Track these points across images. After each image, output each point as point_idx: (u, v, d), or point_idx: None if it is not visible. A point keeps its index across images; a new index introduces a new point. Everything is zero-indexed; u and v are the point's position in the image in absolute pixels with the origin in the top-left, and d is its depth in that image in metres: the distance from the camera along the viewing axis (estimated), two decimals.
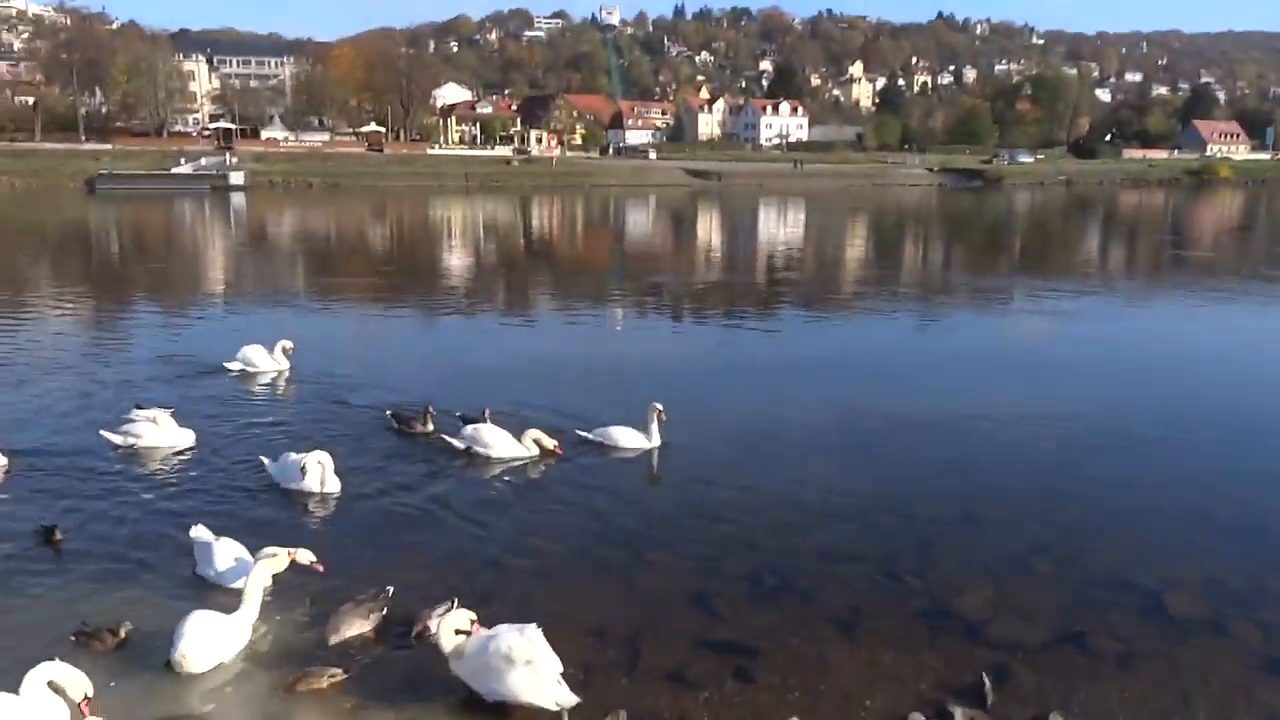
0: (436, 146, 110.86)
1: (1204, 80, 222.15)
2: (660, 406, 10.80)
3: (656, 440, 10.83)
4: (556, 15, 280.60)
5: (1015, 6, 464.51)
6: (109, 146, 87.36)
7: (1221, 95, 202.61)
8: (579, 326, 20.64)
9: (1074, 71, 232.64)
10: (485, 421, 10.98)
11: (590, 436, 11.00)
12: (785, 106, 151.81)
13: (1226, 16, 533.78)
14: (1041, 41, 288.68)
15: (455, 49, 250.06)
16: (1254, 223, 59.85)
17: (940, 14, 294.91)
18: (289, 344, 14.31)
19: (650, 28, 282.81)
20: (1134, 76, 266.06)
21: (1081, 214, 67.26)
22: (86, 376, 14.10)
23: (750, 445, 11.37)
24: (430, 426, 11.15)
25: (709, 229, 53.07)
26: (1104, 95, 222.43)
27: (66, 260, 33.59)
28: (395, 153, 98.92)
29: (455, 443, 10.70)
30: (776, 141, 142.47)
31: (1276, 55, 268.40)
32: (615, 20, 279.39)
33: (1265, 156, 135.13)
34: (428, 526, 8.76)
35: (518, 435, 10.65)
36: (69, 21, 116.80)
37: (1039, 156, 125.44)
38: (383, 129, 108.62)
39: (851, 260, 37.54)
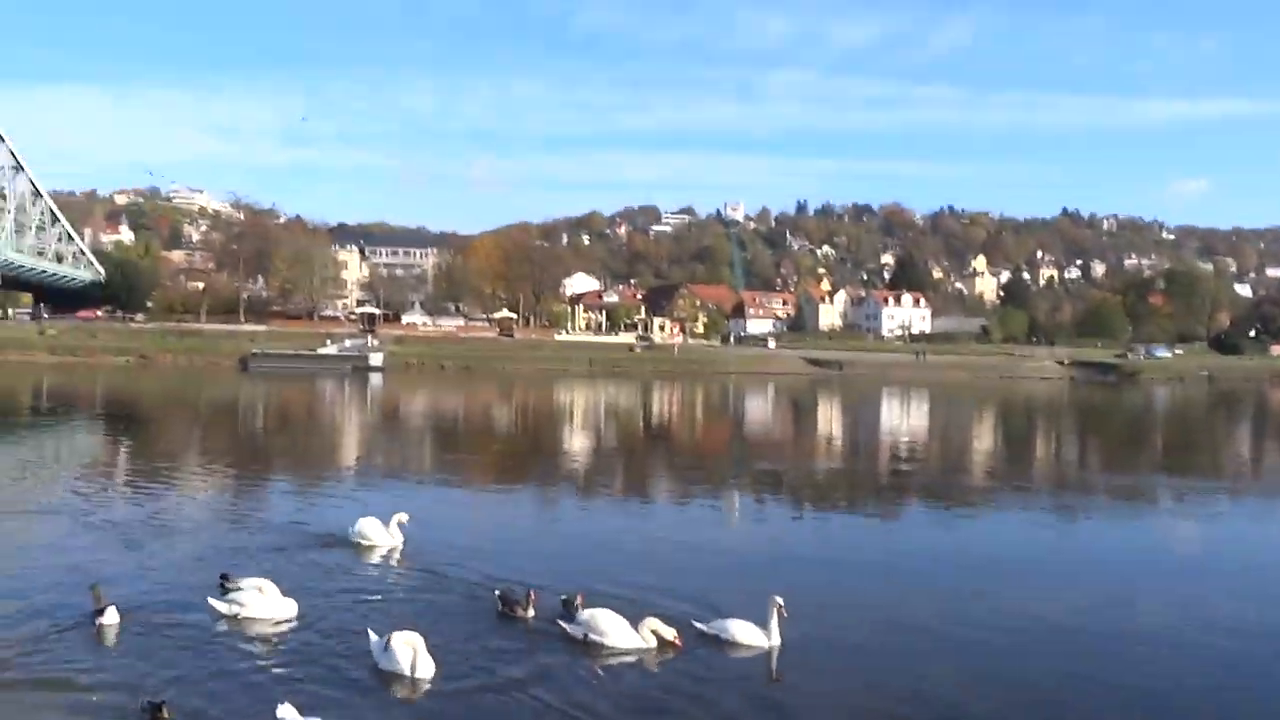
0: (564, 332, 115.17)
1: None
2: (780, 601, 10.16)
3: (776, 638, 10.14)
4: (683, 211, 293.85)
5: (1144, 203, 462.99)
6: (264, 328, 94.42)
7: None
8: (696, 511, 20.27)
9: (1209, 266, 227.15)
10: (578, 607, 10.65)
11: (707, 630, 10.42)
12: (907, 298, 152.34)
13: None
14: (1173, 236, 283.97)
15: (587, 242, 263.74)
16: None
17: (1065, 210, 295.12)
18: (404, 517, 14.43)
19: (773, 223, 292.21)
20: (1276, 271, 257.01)
21: (1228, 411, 63.65)
22: (207, 541, 14.49)
23: (872, 644, 10.61)
24: (532, 611, 10.88)
25: (829, 417, 52.45)
26: (1244, 290, 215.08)
27: (211, 431, 35.61)
28: (525, 338, 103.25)
29: (569, 629, 10.36)
30: (898, 332, 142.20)
31: None
32: (739, 216, 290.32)
33: None
34: (526, 717, 8.35)
35: (634, 623, 10.24)
36: (243, 216, 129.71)
37: (1177, 351, 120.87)
38: (514, 315, 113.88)
39: (979, 453, 36.16)
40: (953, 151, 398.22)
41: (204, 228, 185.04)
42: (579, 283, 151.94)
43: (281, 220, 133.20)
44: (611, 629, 10.14)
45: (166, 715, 7.82)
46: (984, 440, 41.20)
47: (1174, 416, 59.18)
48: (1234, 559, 16.38)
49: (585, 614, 10.38)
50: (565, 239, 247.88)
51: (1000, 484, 26.59)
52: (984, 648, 10.68)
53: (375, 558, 13.91)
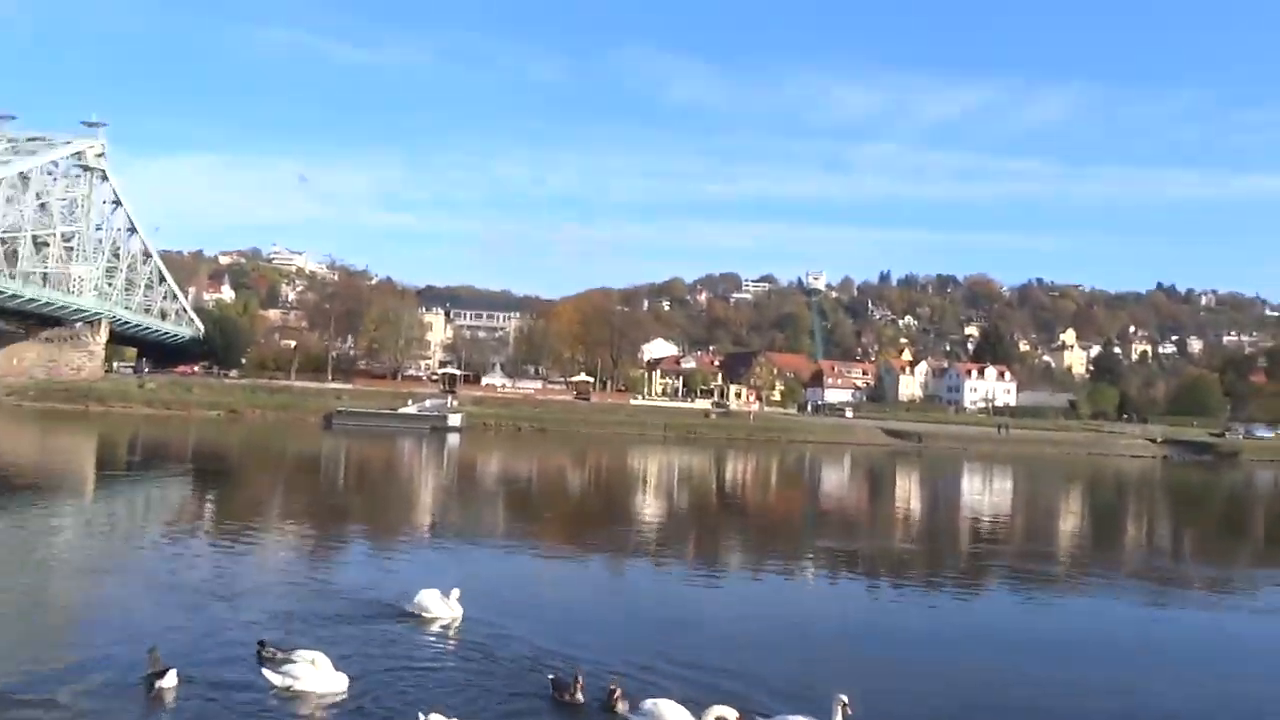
0: (640, 397, 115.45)
1: None
2: (846, 699, 9.79)
3: None
4: (764, 279, 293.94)
5: (1244, 278, 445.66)
6: (349, 386, 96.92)
7: None
8: (767, 587, 19.92)
9: None
10: (618, 699, 10.44)
11: None
12: (991, 371, 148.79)
13: None
14: (1276, 314, 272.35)
15: (667, 308, 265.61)
16: None
17: (1160, 284, 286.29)
18: (458, 592, 14.45)
19: (855, 292, 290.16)
20: None
21: None
22: (272, 605, 14.71)
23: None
24: (581, 696, 10.70)
25: (908, 491, 51.17)
26: None
27: (290, 489, 36.46)
28: (601, 401, 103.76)
29: (632, 718, 10.19)
30: (981, 405, 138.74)
31: None
32: (821, 284, 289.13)
33: None
34: None
35: (699, 713, 10.01)
36: (337, 277, 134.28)
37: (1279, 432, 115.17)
38: (591, 379, 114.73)
39: (1064, 533, 34.75)
40: (1043, 224, 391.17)
41: (300, 288, 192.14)
42: (657, 348, 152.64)
43: (373, 281, 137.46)
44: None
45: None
46: (1069, 520, 39.60)
47: (1277, 499, 56.09)
48: None
49: (648, 703, 10.20)
50: (646, 305, 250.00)
51: (1085, 568, 25.40)
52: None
53: (434, 630, 13.95)
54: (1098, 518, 41.56)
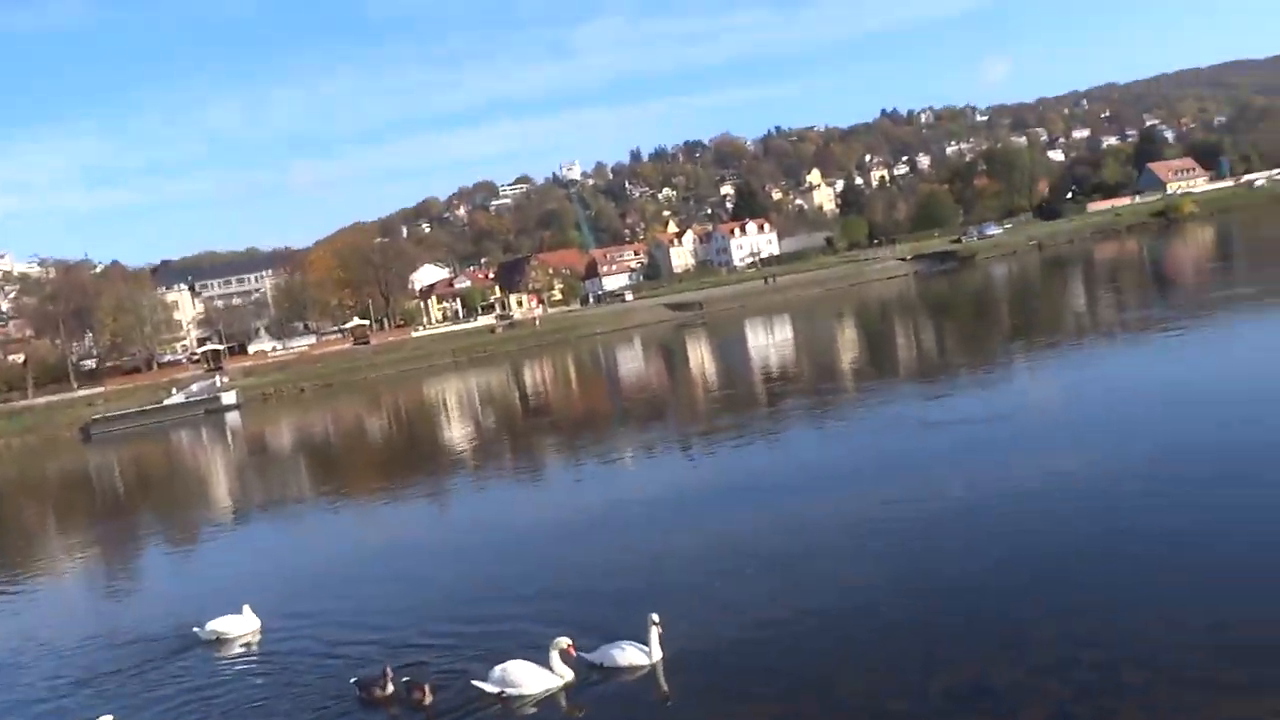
0: (421, 328, 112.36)
1: (1149, 124, 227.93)
2: (656, 618, 9.88)
3: (658, 654, 9.89)
4: (520, 181, 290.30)
5: (953, 91, 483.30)
6: (100, 389, 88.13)
7: (1170, 135, 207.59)
8: (586, 491, 19.91)
9: (1023, 140, 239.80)
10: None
11: (590, 659, 10.06)
12: (752, 226, 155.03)
13: (1155, 62, 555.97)
14: (986, 118, 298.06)
15: (427, 230, 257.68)
16: (1233, 248, 59.99)
17: (883, 111, 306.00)
18: (248, 607, 13.41)
19: (610, 175, 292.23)
20: (1081, 133, 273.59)
21: (1062, 274, 67.45)
22: (59, 674, 12.95)
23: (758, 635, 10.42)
24: (390, 689, 10.12)
25: (700, 359, 52.94)
26: (1056, 156, 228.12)
27: (60, 518, 32.98)
28: (382, 342, 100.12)
29: (487, 687, 9.82)
30: (750, 260, 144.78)
31: (1213, 87, 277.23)
32: (576, 175, 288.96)
33: (1226, 184, 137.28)
34: None
35: (544, 658, 9.85)
36: (52, 274, 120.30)
37: (1007, 226, 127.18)
38: (366, 321, 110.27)
39: (846, 361, 37.07)
40: (772, 74, 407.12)
41: (12, 294, 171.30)
42: (427, 274, 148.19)
43: (98, 270, 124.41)
44: (527, 678, 9.79)
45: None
46: (847, 349, 42.37)
47: (1014, 290, 62.32)
48: (1093, 403, 17.20)
49: (498, 669, 9.91)
50: (405, 232, 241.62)
51: (871, 385, 27.21)
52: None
53: (234, 652, 12.88)
54: (870, 341, 44.70)
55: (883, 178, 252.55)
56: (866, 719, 8.09)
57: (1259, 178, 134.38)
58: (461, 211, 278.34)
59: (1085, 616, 9.06)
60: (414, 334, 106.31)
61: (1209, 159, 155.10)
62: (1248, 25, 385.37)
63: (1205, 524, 11.03)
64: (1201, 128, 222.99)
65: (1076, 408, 19.06)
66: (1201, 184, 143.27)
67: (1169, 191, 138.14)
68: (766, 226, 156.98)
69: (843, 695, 8.43)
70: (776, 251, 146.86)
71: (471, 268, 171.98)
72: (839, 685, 8.62)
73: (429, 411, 49.27)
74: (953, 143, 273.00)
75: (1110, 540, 10.98)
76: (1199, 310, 32.26)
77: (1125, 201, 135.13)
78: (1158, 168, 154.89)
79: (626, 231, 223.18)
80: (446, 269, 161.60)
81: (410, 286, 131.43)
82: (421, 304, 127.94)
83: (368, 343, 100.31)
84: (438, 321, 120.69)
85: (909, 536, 12.36)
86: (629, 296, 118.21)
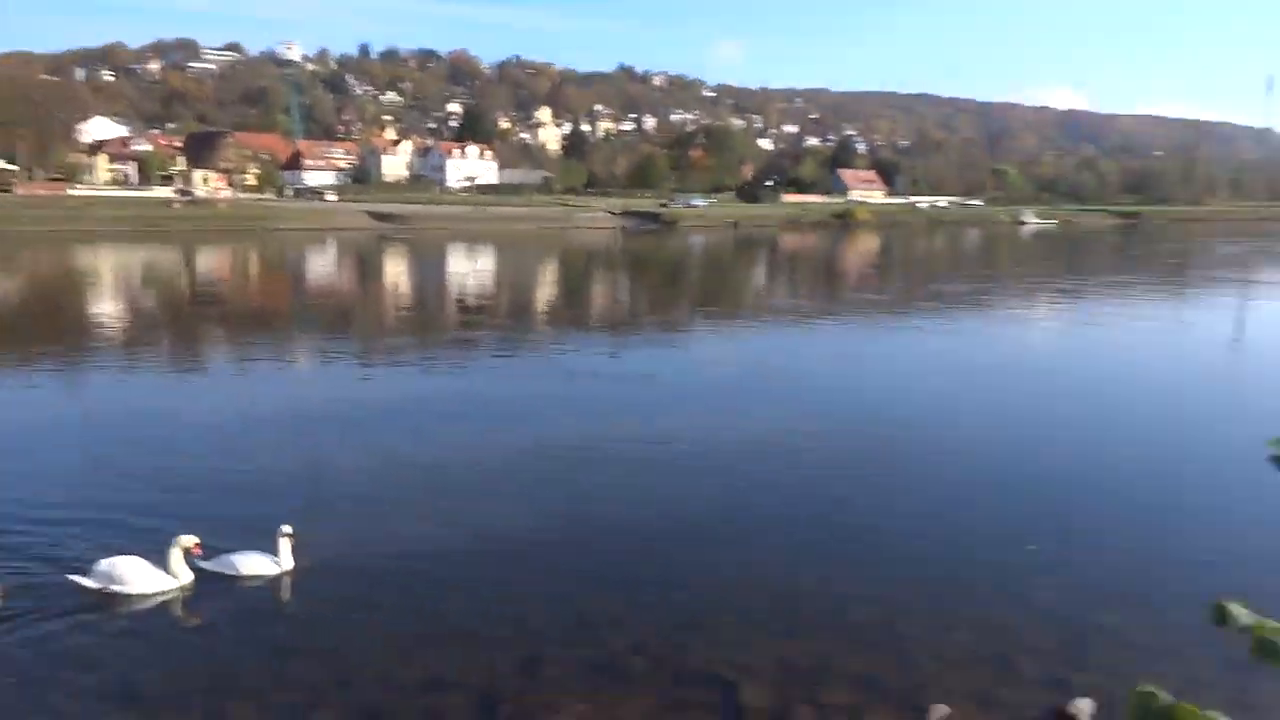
0: (81, 187, 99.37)
1: (847, 133, 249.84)
2: (289, 529, 9.53)
3: (289, 563, 9.57)
4: (229, 47, 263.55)
5: (690, 60, 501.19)
6: None
7: (862, 147, 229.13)
8: (244, 386, 18.74)
9: (741, 123, 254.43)
10: None
11: (209, 567, 9.47)
12: (474, 149, 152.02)
13: (865, 78, 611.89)
14: (713, 94, 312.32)
15: (110, 78, 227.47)
16: (890, 259, 67.86)
17: (622, 65, 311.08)
18: None
19: (334, 65, 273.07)
20: (791, 128, 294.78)
21: (749, 253, 72.73)
22: None
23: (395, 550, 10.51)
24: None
25: (396, 275, 51.41)
26: (766, 144, 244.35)
27: None
28: (29, 195, 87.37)
29: (87, 583, 8.90)
30: (465, 184, 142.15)
31: (905, 113, 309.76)
32: (295, 56, 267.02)
33: (897, 201, 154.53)
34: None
35: (162, 556, 9.11)
36: None
37: (712, 201, 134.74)
38: (14, 167, 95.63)
39: (542, 301, 37.70)
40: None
41: None
42: (100, 128, 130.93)
43: None
44: (136, 576, 9.01)
45: None
46: (546, 289, 43.07)
47: (708, 260, 66.36)
48: (757, 376, 18.87)
49: (104, 564, 9.02)
50: (82, 75, 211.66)
51: (557, 331, 27.93)
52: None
53: None
54: (569, 285, 45.75)
55: (609, 130, 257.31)
56: (477, 630, 8.39)
57: (923, 201, 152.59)
58: (154, 66, 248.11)
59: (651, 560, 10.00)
60: (71, 191, 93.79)
61: (888, 175, 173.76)
62: (940, 60, 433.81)
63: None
64: (889, 146, 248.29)
65: (724, 375, 20.71)
66: (879, 196, 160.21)
67: (851, 198, 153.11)
68: (489, 154, 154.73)
69: (458, 619, 8.70)
70: (494, 181, 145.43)
71: (156, 131, 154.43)
72: (464, 609, 8.89)
73: (76, 282, 43.87)
74: (679, 111, 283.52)
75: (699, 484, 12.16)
76: (844, 308, 36.24)
77: (815, 199, 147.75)
78: (846, 174, 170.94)
79: (341, 129, 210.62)
80: (126, 127, 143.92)
81: (76, 138, 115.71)
82: (88, 160, 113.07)
83: (9, 191, 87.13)
84: (105, 184, 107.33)
85: (566, 474, 12.87)
86: (331, 196, 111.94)
